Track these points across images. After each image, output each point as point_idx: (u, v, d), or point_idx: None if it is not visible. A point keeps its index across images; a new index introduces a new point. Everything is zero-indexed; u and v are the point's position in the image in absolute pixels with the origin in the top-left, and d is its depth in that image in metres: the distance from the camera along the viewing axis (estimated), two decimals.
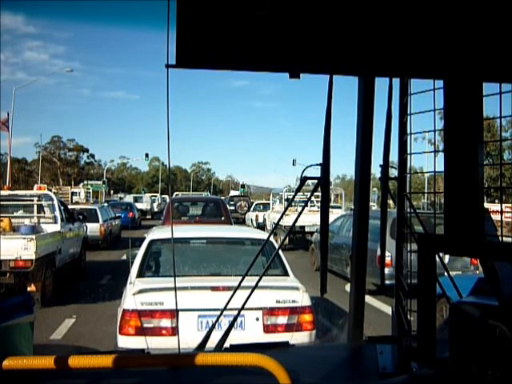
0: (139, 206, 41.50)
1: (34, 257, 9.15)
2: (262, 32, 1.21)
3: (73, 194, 26.98)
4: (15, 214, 11.39)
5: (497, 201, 20.94)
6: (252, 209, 31.81)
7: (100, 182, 46.28)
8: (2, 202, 11.22)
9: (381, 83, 2.05)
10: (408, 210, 2.04)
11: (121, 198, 48.74)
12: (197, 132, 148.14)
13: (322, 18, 1.22)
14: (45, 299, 9.67)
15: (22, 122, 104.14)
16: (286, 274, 5.72)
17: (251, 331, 4.90)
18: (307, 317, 5.11)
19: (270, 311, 5.03)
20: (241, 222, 32.69)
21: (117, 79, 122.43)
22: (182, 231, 6.66)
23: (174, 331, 4.62)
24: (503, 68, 1.27)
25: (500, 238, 1.69)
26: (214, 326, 2.41)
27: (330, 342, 6.68)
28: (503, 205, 1.95)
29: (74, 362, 1.38)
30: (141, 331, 4.79)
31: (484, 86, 1.59)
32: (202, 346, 2.28)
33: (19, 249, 9.06)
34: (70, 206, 14.55)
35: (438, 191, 1.96)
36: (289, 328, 5.03)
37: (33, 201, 11.64)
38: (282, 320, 5.06)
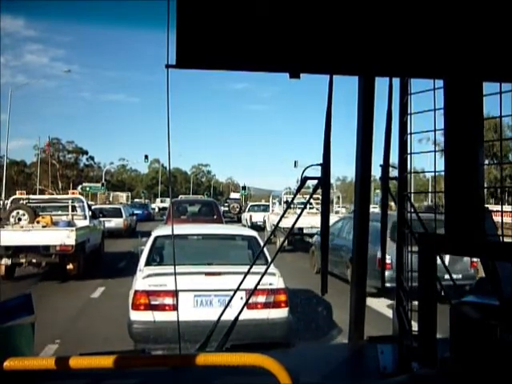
0: (163, 204, 59.44)
1: (74, 243, 12.67)
2: (261, 32, 1.21)
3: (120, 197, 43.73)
4: (54, 213, 15.05)
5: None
6: (247, 209, 34.94)
7: (99, 185, 48.37)
8: (45, 204, 15.46)
9: (381, 83, 2.05)
10: (408, 210, 2.04)
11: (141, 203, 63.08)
12: (197, 134, 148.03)
13: (321, 17, 1.22)
14: (79, 274, 13.35)
15: (20, 125, 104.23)
16: (266, 263, 6.37)
17: (236, 308, 5.34)
18: (282, 297, 6.37)
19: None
20: (236, 220, 37.70)
21: (117, 82, 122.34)
22: (182, 229, 8.01)
23: (175, 307, 5.81)
24: (503, 67, 1.27)
25: (500, 237, 1.69)
26: (214, 326, 2.41)
27: (331, 342, 6.77)
28: (504, 206, 1.94)
29: (75, 362, 1.38)
30: (149, 307, 6.15)
31: (484, 85, 1.59)
32: (203, 347, 2.28)
33: (64, 237, 12.64)
34: (93, 207, 19.86)
35: (438, 191, 1.96)
36: (267, 305, 6.28)
37: (67, 203, 15.47)
38: (262, 299, 6.27)
